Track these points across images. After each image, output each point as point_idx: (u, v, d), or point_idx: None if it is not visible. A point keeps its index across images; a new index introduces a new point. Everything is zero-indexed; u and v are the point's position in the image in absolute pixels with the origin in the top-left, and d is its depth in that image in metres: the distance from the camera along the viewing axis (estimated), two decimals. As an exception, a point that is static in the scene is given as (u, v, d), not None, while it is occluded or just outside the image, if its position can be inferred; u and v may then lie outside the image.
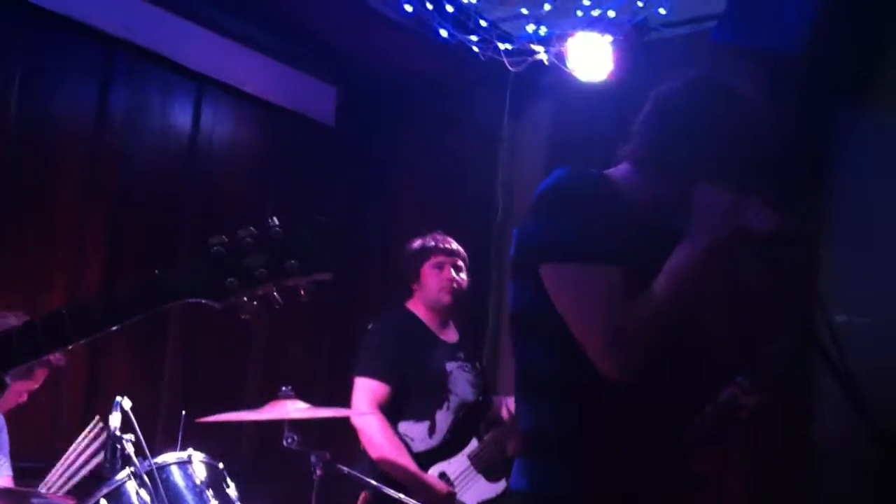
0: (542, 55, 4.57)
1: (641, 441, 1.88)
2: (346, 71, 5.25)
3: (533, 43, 4.59)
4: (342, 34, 4.84)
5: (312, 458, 3.23)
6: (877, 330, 3.81)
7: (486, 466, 3.57)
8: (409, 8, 4.46)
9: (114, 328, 1.42)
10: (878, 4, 3.73)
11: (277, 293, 1.40)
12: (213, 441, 3.40)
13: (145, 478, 2.93)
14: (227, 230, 1.42)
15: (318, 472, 3.23)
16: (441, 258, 3.67)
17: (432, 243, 3.70)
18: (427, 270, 3.67)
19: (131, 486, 2.93)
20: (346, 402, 3.59)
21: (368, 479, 3.27)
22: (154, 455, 3.03)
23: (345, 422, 3.67)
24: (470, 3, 4.63)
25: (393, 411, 3.51)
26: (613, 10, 4.46)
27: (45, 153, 4.05)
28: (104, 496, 2.90)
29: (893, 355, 3.69)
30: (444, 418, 3.54)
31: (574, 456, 1.87)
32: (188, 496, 3.05)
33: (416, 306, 3.68)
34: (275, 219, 1.37)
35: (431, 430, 3.52)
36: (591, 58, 4.46)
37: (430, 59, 4.84)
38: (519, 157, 5.05)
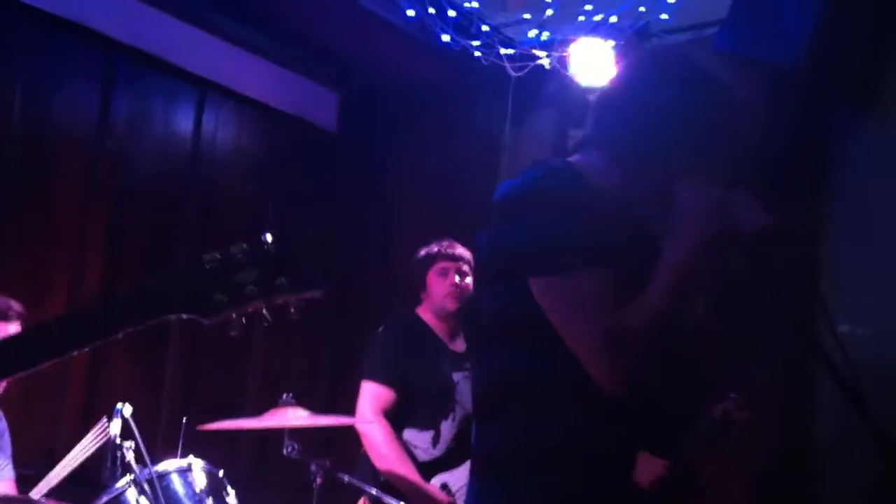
0: (545, 60, 4.57)
1: (631, 448, 1.85)
2: (348, 76, 5.25)
3: (535, 48, 4.59)
4: (344, 39, 4.84)
5: (312, 467, 3.22)
6: (879, 336, 3.80)
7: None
8: (411, 13, 4.45)
9: (97, 343, 1.40)
10: (878, 12, 3.72)
11: (267, 310, 1.37)
12: (213, 448, 3.39)
13: (145, 486, 2.93)
14: (227, 234, 1.40)
15: (319, 480, 3.22)
16: (445, 264, 3.65)
17: (436, 249, 3.68)
18: (432, 277, 3.65)
19: (131, 494, 2.92)
20: (346, 409, 3.57)
21: (368, 488, 3.26)
22: (154, 463, 3.02)
23: (345, 430, 3.66)
24: (472, 8, 4.63)
25: (398, 418, 3.49)
26: (616, 15, 4.46)
27: (48, 156, 4.05)
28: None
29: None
30: (448, 429, 3.52)
31: (560, 467, 1.80)
32: (188, 504, 3.04)
33: (425, 313, 3.67)
34: (268, 235, 1.34)
35: (436, 440, 3.50)
36: (593, 63, 4.45)
37: (432, 64, 4.83)
38: (521, 163, 5.04)
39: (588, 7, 4.49)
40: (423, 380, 3.51)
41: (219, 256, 1.33)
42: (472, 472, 1.95)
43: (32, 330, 1.42)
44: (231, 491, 3.18)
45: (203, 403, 4.30)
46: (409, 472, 3.39)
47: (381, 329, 3.65)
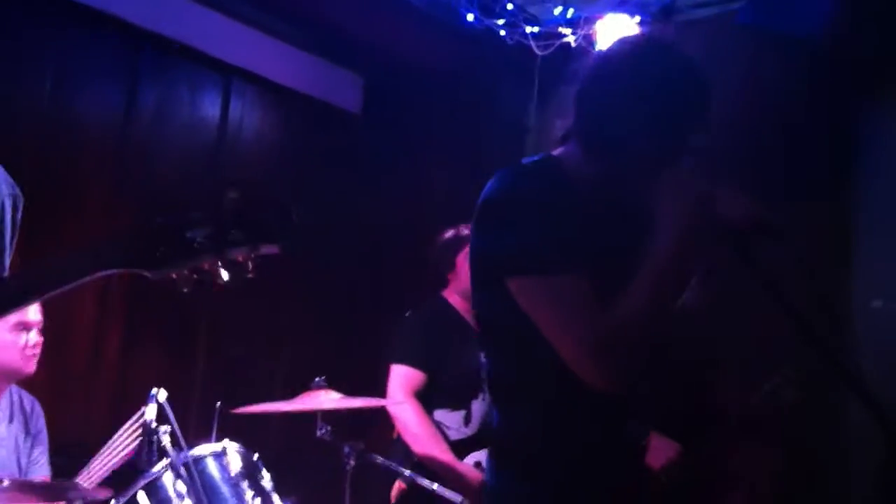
0: (570, 38, 4.54)
1: (617, 448, 1.87)
2: (373, 59, 5.24)
3: (560, 26, 4.56)
4: (368, 22, 4.82)
5: (346, 449, 3.24)
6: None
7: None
8: (434, -7, 4.44)
9: (44, 296, 1.37)
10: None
11: (222, 267, 1.32)
12: (245, 432, 3.42)
13: (182, 470, 2.95)
14: None
15: (352, 462, 3.24)
16: None
17: (465, 232, 3.68)
18: (462, 260, 3.65)
19: (168, 478, 2.95)
20: (377, 391, 3.59)
21: (402, 469, 3.28)
22: (189, 447, 3.05)
23: (377, 412, 3.68)
24: (496, -13, 4.61)
25: (428, 399, 3.51)
26: (640, -9, 4.42)
27: (76, 146, 4.09)
28: (141, 488, 2.92)
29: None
30: (479, 408, 3.53)
31: (542, 465, 1.83)
32: (224, 487, 3.06)
33: (452, 296, 3.68)
34: (231, 191, 1.31)
35: (467, 420, 3.52)
36: (614, 40, 4.41)
37: (457, 44, 4.81)
38: (546, 141, 5.00)
39: (613, -17, 4.46)
40: (452, 361, 3.52)
41: (176, 214, 1.30)
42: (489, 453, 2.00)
43: None
44: (266, 474, 3.20)
45: (234, 388, 4.33)
46: (443, 452, 3.40)
47: (408, 314, 3.67)
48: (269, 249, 1.31)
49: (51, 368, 3.48)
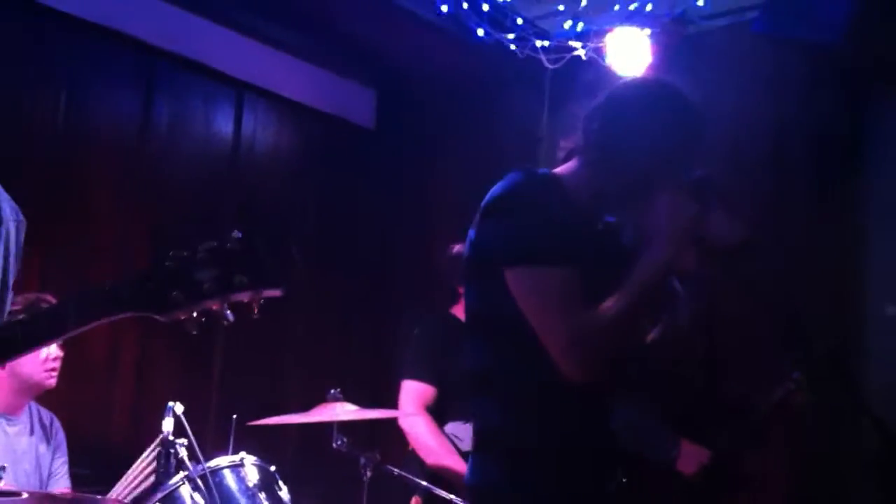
0: (581, 51, 4.55)
1: (598, 443, 1.95)
2: (384, 73, 5.27)
3: (571, 39, 4.57)
4: (379, 36, 4.86)
5: (362, 460, 3.25)
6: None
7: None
8: (445, 8, 4.46)
9: (58, 340, 1.42)
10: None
11: (228, 309, 1.37)
12: (261, 444, 3.43)
13: (199, 482, 2.96)
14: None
15: (368, 473, 3.24)
16: None
17: None
18: None
19: (185, 491, 2.96)
20: (392, 403, 3.60)
21: (419, 481, 3.28)
22: (206, 459, 3.06)
23: (393, 423, 3.69)
24: (506, 2, 4.63)
25: (440, 412, 3.52)
26: (651, 3, 4.43)
27: (90, 161, 4.11)
28: (159, 501, 2.93)
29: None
30: None
31: (525, 456, 1.91)
32: (241, 499, 3.07)
33: (460, 311, 3.69)
34: (236, 232, 1.35)
35: (479, 431, 3.53)
36: (630, 52, 4.43)
37: (468, 58, 4.84)
38: (559, 155, 5.03)
39: (623, -4, 4.48)
40: (462, 374, 3.53)
41: (185, 254, 1.34)
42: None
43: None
44: (283, 486, 3.21)
45: (249, 400, 4.34)
46: (456, 462, 3.41)
47: (416, 330, 3.68)
48: (272, 293, 1.35)
49: (69, 382, 3.50)
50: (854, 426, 3.79)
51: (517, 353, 1.91)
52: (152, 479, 3.10)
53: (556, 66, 4.59)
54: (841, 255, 3.96)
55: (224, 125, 4.71)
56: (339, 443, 3.25)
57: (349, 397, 3.37)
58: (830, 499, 3.96)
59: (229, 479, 3.09)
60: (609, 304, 1.80)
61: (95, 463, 3.66)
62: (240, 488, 3.09)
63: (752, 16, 3.98)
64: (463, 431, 3.51)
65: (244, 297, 1.34)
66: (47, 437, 3.29)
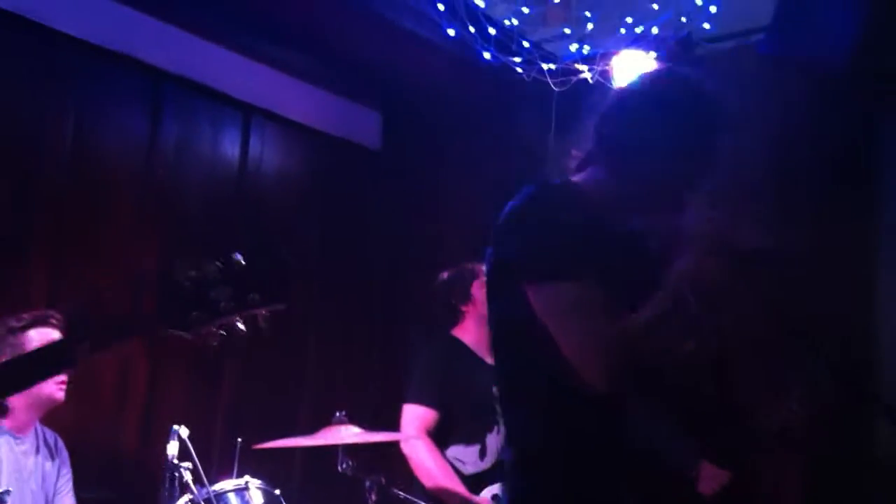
0: (587, 74, 4.56)
1: (625, 455, 1.90)
2: (391, 96, 5.29)
3: (577, 62, 4.59)
4: (386, 59, 4.88)
5: (367, 483, 3.24)
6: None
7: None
8: (451, 32, 4.48)
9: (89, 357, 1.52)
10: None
11: (241, 323, 1.48)
12: (266, 467, 3.42)
13: (203, 505, 2.96)
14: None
15: (373, 497, 3.23)
16: None
17: (472, 264, 3.73)
18: (479, 287, 3.67)
19: (190, 514, 2.96)
20: (397, 426, 3.59)
21: (424, 504, 3.27)
22: (211, 483, 3.05)
23: (399, 446, 3.68)
24: (512, 25, 4.64)
25: (442, 436, 3.51)
26: (657, 26, 4.45)
27: (99, 183, 4.13)
28: (163, 524, 2.93)
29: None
30: (494, 441, 3.52)
31: (557, 469, 1.88)
32: (246, 523, 3.06)
33: (462, 332, 3.68)
34: (238, 254, 1.45)
35: (482, 453, 3.51)
36: (636, 75, 4.43)
37: (474, 81, 4.85)
38: (566, 177, 5.03)
39: (629, 19, 4.48)
40: (465, 397, 3.52)
41: (193, 274, 1.44)
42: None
43: (32, 354, 1.52)
44: (287, 509, 3.20)
45: (255, 423, 4.33)
46: (457, 486, 3.39)
47: (417, 354, 3.68)
48: (279, 307, 1.47)
49: (77, 405, 3.50)
50: (867, 440, 3.78)
51: (545, 365, 1.86)
52: None
53: (562, 88, 4.60)
54: (846, 274, 3.96)
55: (231, 147, 4.73)
56: (344, 466, 3.24)
57: (355, 420, 3.36)
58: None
59: (234, 503, 3.08)
60: (639, 315, 1.76)
61: (103, 485, 3.65)
62: (245, 512, 3.08)
63: (757, 38, 3.99)
64: (467, 454, 3.50)
65: (256, 312, 1.45)
66: (52, 454, 3.30)
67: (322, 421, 3.38)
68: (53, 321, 3.20)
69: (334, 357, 5.00)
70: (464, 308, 3.70)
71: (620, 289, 1.79)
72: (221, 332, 1.47)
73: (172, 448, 3.09)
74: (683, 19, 4.39)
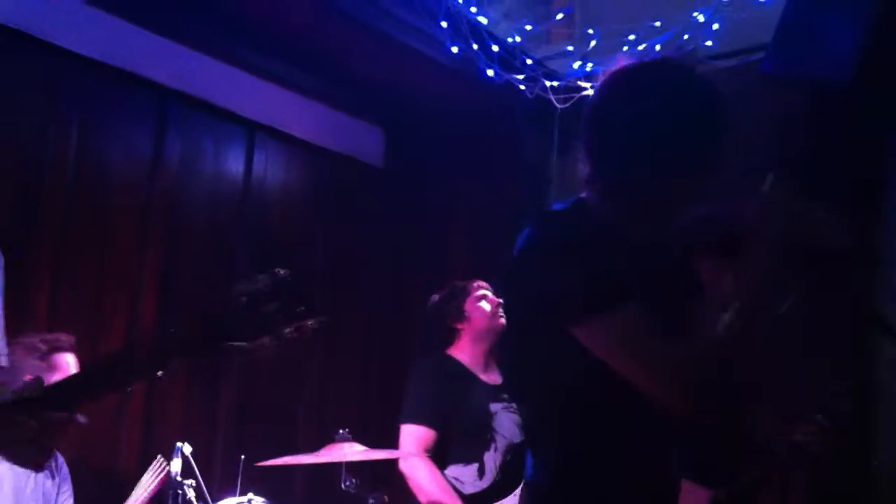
0: (590, 91, 4.57)
1: (653, 489, 1.82)
2: (394, 113, 5.30)
3: (580, 79, 4.61)
4: (389, 77, 4.89)
5: (370, 501, 3.23)
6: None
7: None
8: (454, 49, 4.50)
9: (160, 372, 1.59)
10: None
11: (289, 334, 1.56)
12: (268, 485, 3.41)
13: (206, 523, 2.95)
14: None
15: (377, 514, 3.22)
16: (482, 290, 3.71)
17: (464, 282, 3.74)
18: (471, 304, 3.68)
19: (192, 532, 2.95)
20: (397, 445, 3.58)
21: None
22: (214, 500, 3.04)
23: (401, 464, 3.67)
24: (515, 43, 4.66)
25: (441, 455, 3.49)
26: (660, 44, 4.46)
27: (102, 200, 4.13)
28: (166, 542, 2.92)
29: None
30: (492, 459, 3.51)
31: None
32: (248, 541, 3.05)
33: (458, 351, 3.68)
34: (281, 271, 1.54)
35: (481, 472, 3.49)
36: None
37: (477, 98, 4.87)
38: (569, 194, 5.03)
39: (631, 37, 4.50)
40: (461, 416, 3.51)
41: (247, 290, 1.53)
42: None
43: (101, 362, 1.51)
44: (290, 527, 3.19)
45: (257, 440, 4.32)
46: (453, 501, 3.38)
47: (414, 373, 3.67)
48: (320, 320, 1.57)
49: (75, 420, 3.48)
50: (877, 467, 3.77)
51: (574, 408, 1.77)
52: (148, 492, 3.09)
53: (565, 105, 4.62)
54: (854, 288, 3.95)
55: (235, 164, 4.74)
56: (347, 484, 3.23)
57: (358, 438, 3.35)
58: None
59: (237, 520, 3.07)
60: (704, 329, 1.66)
61: (103, 502, 3.63)
62: (247, 530, 3.07)
63: (760, 56, 4.00)
64: (465, 474, 3.49)
65: (304, 323, 1.56)
66: (52, 472, 3.30)
67: (324, 438, 3.37)
68: (65, 344, 3.24)
69: (337, 374, 5.00)
70: (458, 326, 3.70)
71: (656, 305, 1.66)
72: (275, 342, 1.55)
73: (176, 465, 3.09)
74: (686, 37, 4.40)
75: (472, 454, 3.50)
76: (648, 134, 1.75)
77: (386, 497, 3.25)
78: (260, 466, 3.23)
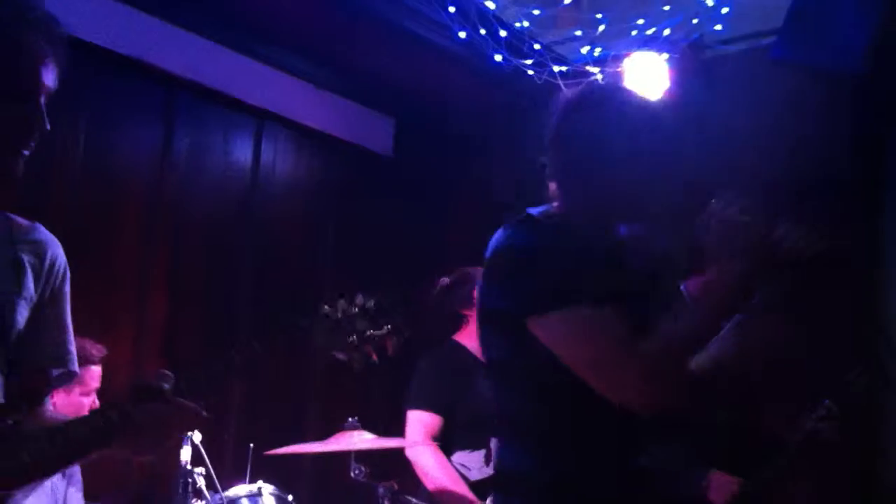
0: (598, 76, 4.55)
1: (625, 481, 1.86)
2: (403, 100, 5.29)
3: (588, 64, 4.58)
4: (397, 64, 4.87)
5: (380, 490, 3.23)
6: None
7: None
8: (462, 35, 4.48)
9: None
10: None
11: (377, 349, 1.77)
12: (278, 473, 3.42)
13: (216, 512, 2.96)
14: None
15: (386, 503, 3.22)
16: None
17: (473, 269, 3.73)
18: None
19: (203, 520, 2.96)
20: (404, 432, 3.58)
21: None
22: (224, 488, 3.05)
23: (410, 452, 3.67)
24: (523, 28, 4.63)
25: (447, 442, 3.49)
26: (668, 28, 4.43)
27: (111, 189, 4.14)
28: (177, 530, 2.93)
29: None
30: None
31: (562, 500, 1.85)
32: (258, 529, 3.06)
33: (465, 337, 3.67)
34: (361, 296, 1.75)
35: (487, 459, 3.49)
36: (647, 77, 4.43)
37: (486, 85, 4.85)
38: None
39: (640, 21, 4.47)
40: (468, 402, 3.51)
41: (344, 308, 1.74)
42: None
43: (192, 370, 1.71)
44: (300, 515, 3.20)
45: (266, 428, 4.33)
46: (464, 491, 3.38)
47: (421, 360, 3.67)
48: (403, 337, 1.78)
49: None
50: (887, 457, 3.74)
51: (550, 400, 1.85)
52: None
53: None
54: (863, 282, 3.92)
55: (244, 153, 4.74)
56: (356, 472, 3.23)
57: (367, 426, 3.36)
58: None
59: (247, 508, 3.08)
60: (674, 326, 1.74)
61: (116, 492, 3.65)
62: (257, 518, 3.08)
63: (769, 41, 3.97)
64: (471, 460, 3.49)
65: (390, 338, 1.76)
66: (63, 469, 3.31)
67: (333, 427, 3.37)
68: (94, 357, 3.26)
69: (345, 362, 4.99)
70: (466, 313, 3.70)
71: (626, 306, 1.74)
72: (367, 354, 1.76)
73: (185, 454, 3.10)
74: (695, 21, 4.37)
75: (479, 440, 3.50)
76: (604, 154, 1.87)
77: (395, 485, 3.25)
78: (269, 455, 3.23)
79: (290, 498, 3.24)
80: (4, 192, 1.65)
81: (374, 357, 1.78)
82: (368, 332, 1.74)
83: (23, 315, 1.64)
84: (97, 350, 3.31)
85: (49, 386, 1.76)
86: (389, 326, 1.75)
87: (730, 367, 1.78)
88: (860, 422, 3.60)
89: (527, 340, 1.79)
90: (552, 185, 1.98)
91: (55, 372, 1.74)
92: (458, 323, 3.69)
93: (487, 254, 1.93)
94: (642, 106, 1.92)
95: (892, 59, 3.47)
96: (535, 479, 1.88)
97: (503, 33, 4.52)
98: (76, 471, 3.37)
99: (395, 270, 5.37)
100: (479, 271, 3.67)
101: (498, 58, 4.53)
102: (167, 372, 1.65)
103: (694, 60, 4.37)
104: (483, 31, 4.48)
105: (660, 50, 4.43)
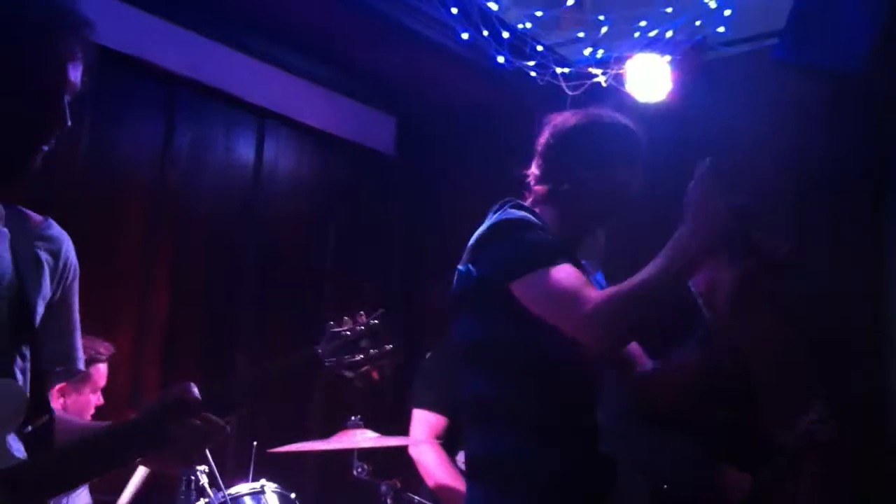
0: (601, 78, 4.56)
1: (597, 467, 2.02)
2: (405, 101, 5.30)
3: (591, 66, 4.59)
4: (400, 64, 4.89)
5: (383, 488, 3.24)
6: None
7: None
8: (465, 36, 4.48)
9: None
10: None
11: (380, 365, 1.84)
12: (281, 471, 3.42)
13: (219, 509, 2.97)
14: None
15: (389, 501, 3.23)
16: None
17: None
18: None
19: (205, 518, 2.96)
20: (409, 431, 3.59)
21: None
22: (227, 486, 3.06)
23: (413, 451, 3.67)
24: (525, 29, 4.64)
25: (451, 441, 3.50)
26: (671, 30, 4.44)
27: (114, 188, 4.15)
28: (180, 528, 2.94)
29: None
30: None
31: (526, 481, 1.98)
32: (261, 527, 3.07)
33: None
34: (363, 314, 1.84)
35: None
36: (650, 79, 4.44)
37: (488, 85, 4.86)
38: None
39: (643, 23, 4.48)
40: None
41: (346, 326, 1.83)
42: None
43: (215, 386, 1.79)
44: (303, 514, 3.21)
45: (269, 427, 4.33)
46: (464, 489, 3.38)
47: (427, 357, 3.67)
48: (401, 357, 1.86)
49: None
50: (884, 458, 3.75)
51: (521, 379, 2.00)
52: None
53: (576, 92, 4.60)
54: (866, 283, 3.93)
55: (245, 152, 4.74)
56: (359, 470, 3.24)
57: (370, 424, 3.36)
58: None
59: (250, 506, 3.09)
60: (627, 281, 1.88)
61: (119, 489, 3.65)
62: (260, 516, 3.08)
63: (772, 42, 3.98)
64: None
65: (388, 358, 1.83)
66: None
67: (336, 425, 3.38)
68: (102, 355, 3.28)
69: (351, 380, 5.00)
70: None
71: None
72: (373, 371, 1.84)
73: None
74: (698, 23, 4.38)
75: None
76: (583, 184, 2.18)
77: (398, 483, 3.26)
78: (272, 453, 3.24)
79: (292, 496, 3.24)
80: (19, 186, 1.63)
81: (376, 376, 1.86)
82: (372, 351, 1.82)
83: (39, 314, 1.64)
84: (105, 348, 3.33)
85: (51, 384, 1.76)
86: (391, 346, 1.83)
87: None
88: (861, 423, 3.62)
89: (501, 314, 2.01)
90: (538, 189, 2.28)
91: (59, 369, 1.74)
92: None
93: (479, 232, 2.14)
94: (621, 137, 2.19)
95: (894, 59, 3.47)
96: (503, 464, 2.01)
97: (506, 35, 4.53)
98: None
99: (396, 268, 5.39)
100: None
101: (500, 59, 4.54)
102: (194, 386, 1.70)
103: (696, 62, 4.37)
104: (486, 33, 4.49)
105: (662, 52, 4.44)
